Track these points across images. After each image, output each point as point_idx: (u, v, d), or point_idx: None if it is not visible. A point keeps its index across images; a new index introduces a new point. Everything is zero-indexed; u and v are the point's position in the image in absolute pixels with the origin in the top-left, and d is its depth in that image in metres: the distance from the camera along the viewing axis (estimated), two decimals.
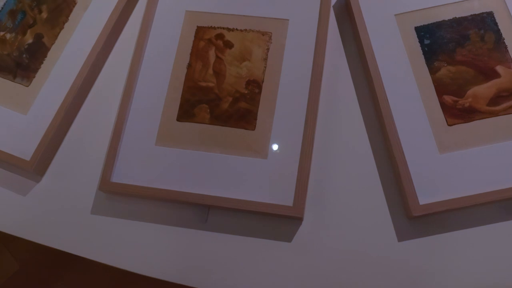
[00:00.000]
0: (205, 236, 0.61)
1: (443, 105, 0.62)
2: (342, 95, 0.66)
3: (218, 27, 0.69)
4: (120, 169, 0.63)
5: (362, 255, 0.58)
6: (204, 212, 0.62)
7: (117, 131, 0.64)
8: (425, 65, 0.64)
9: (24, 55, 0.71)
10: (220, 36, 0.69)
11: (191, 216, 0.62)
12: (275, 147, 0.62)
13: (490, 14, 0.65)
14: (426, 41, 0.65)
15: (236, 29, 0.69)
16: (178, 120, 0.65)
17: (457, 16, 0.66)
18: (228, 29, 0.69)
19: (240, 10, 0.70)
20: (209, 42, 0.69)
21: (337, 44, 0.70)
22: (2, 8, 0.75)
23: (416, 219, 0.58)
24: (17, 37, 0.73)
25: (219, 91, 0.66)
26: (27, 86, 0.69)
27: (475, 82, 0.62)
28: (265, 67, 0.66)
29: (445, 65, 0.63)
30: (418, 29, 0.66)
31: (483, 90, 0.62)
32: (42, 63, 0.70)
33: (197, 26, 0.70)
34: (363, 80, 0.67)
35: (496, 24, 0.65)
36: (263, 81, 0.66)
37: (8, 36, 0.73)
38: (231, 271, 0.59)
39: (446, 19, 0.66)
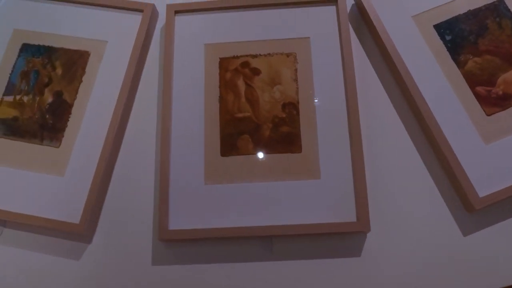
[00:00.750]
0: (274, 266, 0.61)
1: (478, 97, 0.63)
2: (377, 103, 0.67)
3: (241, 56, 0.69)
4: (175, 215, 0.62)
5: (432, 256, 0.59)
6: (268, 242, 0.62)
7: (164, 177, 0.63)
8: (451, 60, 0.66)
9: (46, 116, 0.69)
10: (245, 64, 0.69)
11: (255, 249, 0.62)
12: (325, 165, 0.62)
13: (501, 2, 0.68)
14: (448, 37, 0.67)
15: (260, 55, 0.69)
16: (222, 155, 0.64)
17: (471, 9, 0.68)
18: (252, 56, 0.69)
19: (258, 35, 0.70)
20: (235, 72, 0.68)
21: (360, 53, 0.70)
22: (12, 70, 0.72)
23: (475, 211, 0.60)
24: (35, 99, 0.70)
25: (257, 119, 0.65)
26: (58, 147, 0.67)
27: (503, 69, 0.64)
28: (297, 87, 0.67)
29: (471, 57, 0.65)
30: (437, 27, 0.68)
31: None
32: (68, 120, 0.68)
33: (220, 58, 0.69)
34: (395, 87, 0.68)
35: (509, 10, 0.67)
36: (298, 102, 0.66)
37: (25, 98, 0.70)
38: None
39: (461, 12, 0.68)
